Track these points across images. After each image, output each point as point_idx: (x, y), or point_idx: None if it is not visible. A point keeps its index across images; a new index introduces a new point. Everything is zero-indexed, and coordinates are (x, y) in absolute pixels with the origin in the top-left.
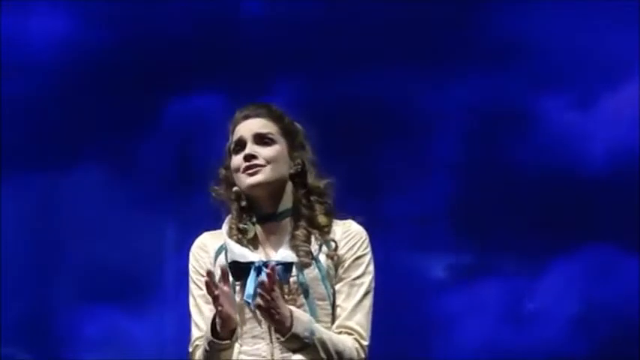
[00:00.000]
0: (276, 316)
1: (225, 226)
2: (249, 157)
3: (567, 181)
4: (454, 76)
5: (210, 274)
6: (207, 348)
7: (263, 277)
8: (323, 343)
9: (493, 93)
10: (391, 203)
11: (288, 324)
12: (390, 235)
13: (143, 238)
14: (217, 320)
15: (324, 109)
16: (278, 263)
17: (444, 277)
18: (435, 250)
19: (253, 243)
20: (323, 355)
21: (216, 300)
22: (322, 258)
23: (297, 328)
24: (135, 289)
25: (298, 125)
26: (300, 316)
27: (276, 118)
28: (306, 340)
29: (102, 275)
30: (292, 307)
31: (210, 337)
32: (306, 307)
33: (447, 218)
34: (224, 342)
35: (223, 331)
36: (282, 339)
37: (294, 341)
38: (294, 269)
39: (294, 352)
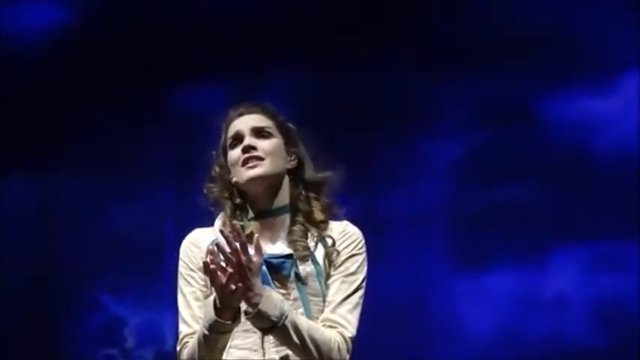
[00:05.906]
0: (240, 291)
1: (217, 223)
2: (248, 149)
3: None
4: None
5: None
6: (207, 332)
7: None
8: (296, 327)
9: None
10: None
11: (256, 301)
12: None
13: (142, 231)
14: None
15: (321, 104)
16: (279, 256)
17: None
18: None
19: (248, 239)
20: (296, 339)
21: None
22: (319, 254)
23: (266, 306)
24: (133, 282)
25: (291, 124)
26: (272, 296)
27: (270, 114)
28: (274, 319)
29: (101, 266)
30: (268, 288)
31: (214, 317)
32: (300, 302)
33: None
34: (228, 322)
35: (226, 313)
36: (249, 316)
37: (261, 320)
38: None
39: (264, 332)
